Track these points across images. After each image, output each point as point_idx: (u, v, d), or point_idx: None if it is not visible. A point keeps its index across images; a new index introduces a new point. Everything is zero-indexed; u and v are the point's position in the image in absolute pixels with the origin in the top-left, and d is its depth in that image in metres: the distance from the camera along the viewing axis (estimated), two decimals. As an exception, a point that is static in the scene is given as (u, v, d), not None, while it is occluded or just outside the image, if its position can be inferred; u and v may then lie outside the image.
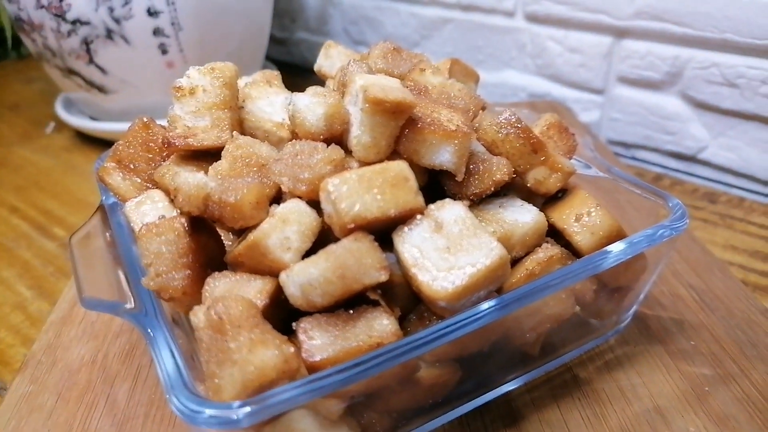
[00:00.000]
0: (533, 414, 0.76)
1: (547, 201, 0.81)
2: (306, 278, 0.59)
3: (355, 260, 0.60)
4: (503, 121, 0.77)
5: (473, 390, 0.74)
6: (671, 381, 0.79)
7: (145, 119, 0.84)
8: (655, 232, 0.73)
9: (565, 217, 0.77)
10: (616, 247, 0.71)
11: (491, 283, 0.62)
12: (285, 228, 0.64)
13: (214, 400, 0.55)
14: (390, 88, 0.67)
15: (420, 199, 0.64)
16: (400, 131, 0.70)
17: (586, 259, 0.70)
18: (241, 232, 0.73)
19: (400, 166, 0.65)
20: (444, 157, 0.70)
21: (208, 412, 0.52)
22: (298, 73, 2.22)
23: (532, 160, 0.78)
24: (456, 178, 0.72)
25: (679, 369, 0.81)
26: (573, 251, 0.76)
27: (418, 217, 0.64)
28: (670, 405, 0.76)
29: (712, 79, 1.36)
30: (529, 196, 0.81)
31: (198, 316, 0.58)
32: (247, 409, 0.52)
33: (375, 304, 0.63)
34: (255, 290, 0.64)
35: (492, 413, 0.76)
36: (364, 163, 0.70)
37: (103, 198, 0.85)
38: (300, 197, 0.67)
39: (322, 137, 0.71)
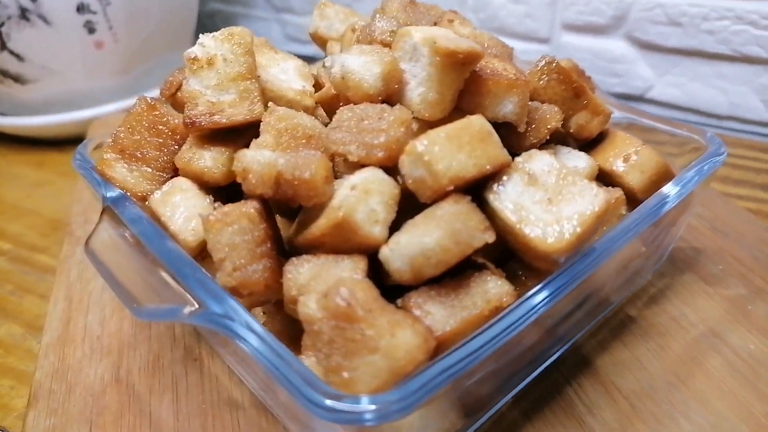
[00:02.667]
0: (604, 357, 0.76)
1: (583, 147, 0.81)
2: (418, 249, 0.54)
3: (462, 224, 0.56)
4: (544, 67, 0.75)
5: (552, 346, 0.73)
6: (715, 305, 0.83)
7: (150, 99, 0.73)
8: (702, 167, 0.74)
9: (612, 159, 0.77)
10: (672, 189, 0.72)
11: (597, 230, 0.60)
12: (369, 200, 0.58)
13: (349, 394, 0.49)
14: (457, 39, 0.63)
15: (506, 153, 0.61)
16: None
17: (652, 200, 0.70)
18: (294, 214, 0.67)
19: (480, 120, 0.61)
20: (507, 108, 0.67)
21: (370, 407, 0.46)
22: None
23: (575, 105, 0.77)
24: (518, 129, 0.69)
25: (718, 293, 0.85)
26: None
27: (508, 171, 0.61)
28: (722, 327, 0.79)
29: (657, 19, 1.42)
30: (565, 142, 0.80)
31: (310, 306, 0.52)
32: (405, 397, 0.48)
33: (478, 268, 0.60)
34: (348, 270, 0.58)
35: (566, 364, 0.76)
36: (426, 123, 0.65)
37: (105, 194, 0.74)
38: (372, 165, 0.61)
39: (380, 98, 0.65)
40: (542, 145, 0.75)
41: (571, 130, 0.78)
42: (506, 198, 0.60)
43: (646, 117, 0.86)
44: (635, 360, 0.75)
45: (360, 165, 0.62)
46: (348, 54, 0.67)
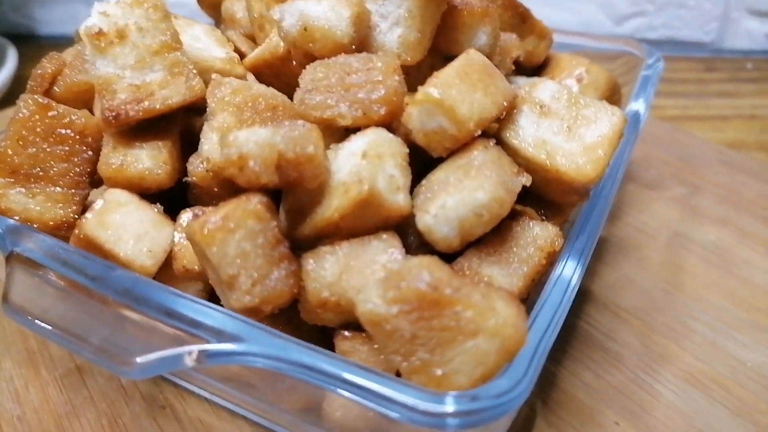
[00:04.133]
0: (597, 282, 0.76)
1: (531, 74, 0.78)
2: (470, 208, 0.47)
3: (503, 169, 0.50)
4: (488, -6, 0.70)
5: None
6: (666, 207, 0.87)
7: (40, 99, 0.55)
8: (648, 80, 0.75)
9: (564, 81, 0.75)
10: (639, 105, 0.72)
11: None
12: (384, 166, 0.49)
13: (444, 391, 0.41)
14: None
15: (510, 85, 0.55)
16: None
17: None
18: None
19: (478, 55, 0.54)
20: (482, 39, 0.61)
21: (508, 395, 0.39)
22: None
23: (522, 30, 0.73)
24: (492, 61, 0.63)
25: (662, 196, 0.89)
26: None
27: (517, 106, 0.55)
28: (681, 226, 0.84)
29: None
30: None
31: (375, 303, 0.42)
32: (522, 377, 0.41)
33: (513, 217, 0.54)
34: (383, 252, 0.49)
35: (567, 296, 0.74)
36: (406, 68, 0.57)
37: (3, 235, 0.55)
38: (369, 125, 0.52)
39: (353, 47, 0.55)
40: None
41: (520, 58, 0.74)
42: (525, 135, 0.54)
43: (573, 35, 0.85)
44: (625, 278, 0.76)
45: (350, 129, 0.53)
46: (304, 1, 0.55)
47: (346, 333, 0.50)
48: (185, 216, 0.55)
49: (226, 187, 0.56)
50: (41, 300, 0.52)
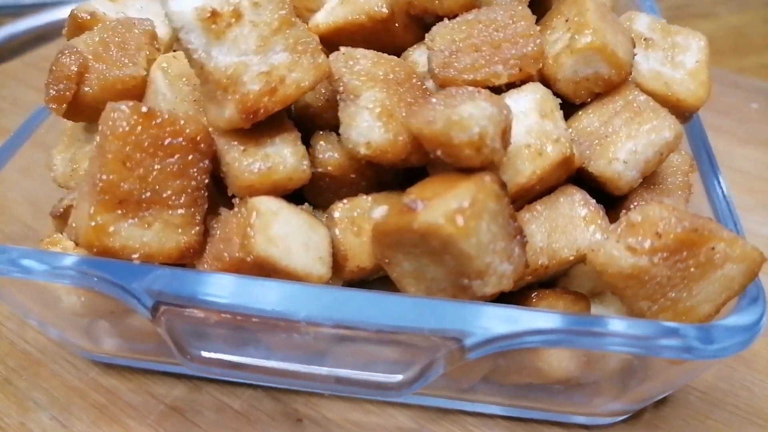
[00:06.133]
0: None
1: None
2: (657, 148, 0.49)
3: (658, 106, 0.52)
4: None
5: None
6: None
7: (141, 107, 0.44)
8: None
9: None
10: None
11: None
12: (558, 121, 0.49)
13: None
14: None
15: (618, 23, 0.57)
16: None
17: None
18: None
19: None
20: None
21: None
22: None
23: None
24: None
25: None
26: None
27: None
28: None
29: None
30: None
31: (624, 256, 0.43)
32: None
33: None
34: (576, 204, 0.49)
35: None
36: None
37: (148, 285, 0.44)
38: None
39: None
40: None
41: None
42: (642, 69, 0.56)
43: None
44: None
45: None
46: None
47: (536, 293, 0.50)
48: (338, 211, 0.49)
49: (365, 174, 0.51)
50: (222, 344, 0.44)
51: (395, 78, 0.49)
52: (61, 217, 0.49)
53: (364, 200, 0.50)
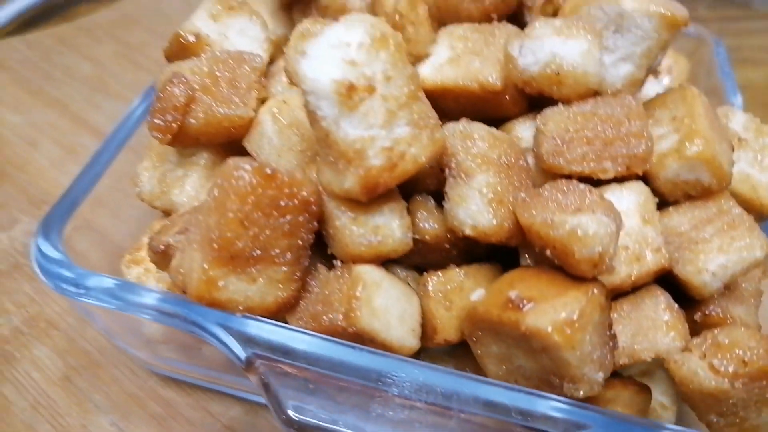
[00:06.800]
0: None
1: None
2: (747, 265, 0.50)
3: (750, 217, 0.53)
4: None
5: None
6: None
7: (265, 169, 0.44)
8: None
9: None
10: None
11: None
12: (657, 226, 0.50)
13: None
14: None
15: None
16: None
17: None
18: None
19: (701, 95, 0.55)
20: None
21: None
22: None
23: None
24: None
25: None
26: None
27: (721, 139, 0.58)
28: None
29: None
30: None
31: (707, 375, 0.45)
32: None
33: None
34: (659, 306, 0.50)
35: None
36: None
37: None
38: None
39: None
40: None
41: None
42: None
43: None
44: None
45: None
46: (543, 36, 0.50)
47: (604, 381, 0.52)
48: (432, 284, 0.50)
49: (458, 245, 0.52)
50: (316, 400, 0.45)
51: (506, 161, 0.49)
52: (161, 254, 0.49)
53: (457, 273, 0.51)
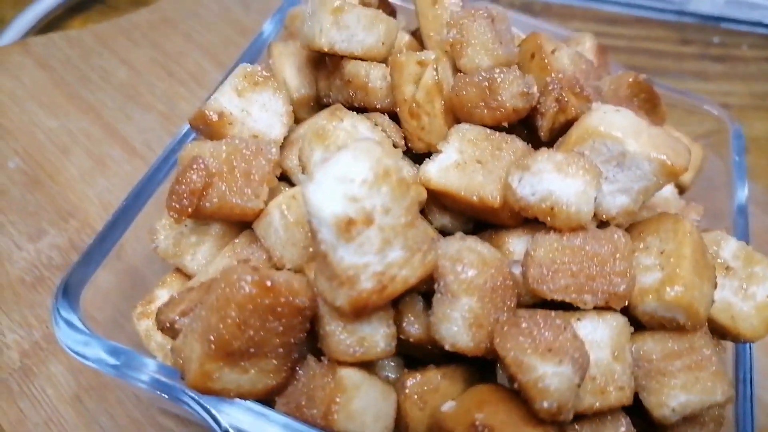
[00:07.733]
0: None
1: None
2: (707, 404, 0.54)
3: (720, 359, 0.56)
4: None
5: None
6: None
7: (268, 282, 0.48)
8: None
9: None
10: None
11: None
12: (627, 362, 0.53)
13: None
14: (675, 148, 0.54)
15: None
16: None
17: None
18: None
19: (696, 233, 0.57)
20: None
21: None
22: None
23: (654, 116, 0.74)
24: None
25: None
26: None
27: (708, 268, 0.60)
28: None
29: None
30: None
31: None
32: None
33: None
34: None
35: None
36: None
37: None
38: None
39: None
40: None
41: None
42: (716, 298, 0.60)
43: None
44: None
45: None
46: (542, 171, 0.52)
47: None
48: (409, 387, 0.55)
49: (441, 349, 0.56)
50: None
51: (492, 284, 0.52)
52: (168, 330, 0.54)
53: (434, 375, 0.55)
